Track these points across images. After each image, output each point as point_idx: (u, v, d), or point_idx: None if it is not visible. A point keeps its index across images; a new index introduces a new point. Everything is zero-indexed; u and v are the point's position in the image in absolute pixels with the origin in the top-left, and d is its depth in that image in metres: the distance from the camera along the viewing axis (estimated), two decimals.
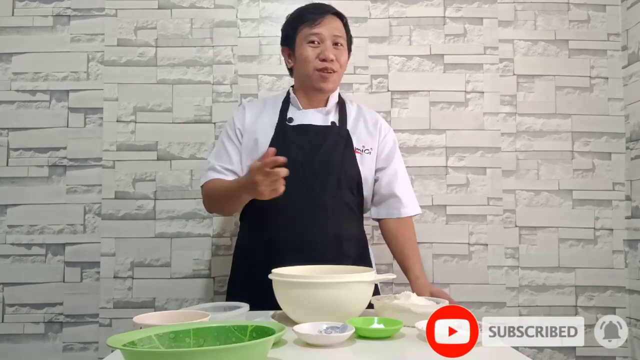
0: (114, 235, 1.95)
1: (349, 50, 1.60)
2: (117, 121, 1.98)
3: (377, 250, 1.95)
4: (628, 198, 1.99)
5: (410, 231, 1.60)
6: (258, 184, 1.26)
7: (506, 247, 1.99)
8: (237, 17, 2.03)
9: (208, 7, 2.02)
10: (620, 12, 2.04)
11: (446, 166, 2.01)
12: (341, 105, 1.59)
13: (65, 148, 1.97)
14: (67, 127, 1.98)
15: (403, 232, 1.58)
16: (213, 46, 2.01)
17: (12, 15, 2.00)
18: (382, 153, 1.58)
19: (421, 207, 1.97)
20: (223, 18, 2.02)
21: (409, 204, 1.60)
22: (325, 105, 1.56)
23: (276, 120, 1.54)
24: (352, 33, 2.04)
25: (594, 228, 2.00)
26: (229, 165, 1.53)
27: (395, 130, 1.98)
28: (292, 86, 1.61)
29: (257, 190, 1.28)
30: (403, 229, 1.58)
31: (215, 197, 1.52)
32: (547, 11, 2.05)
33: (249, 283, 1.48)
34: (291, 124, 1.53)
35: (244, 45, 2.02)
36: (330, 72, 1.49)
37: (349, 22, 2.04)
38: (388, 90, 2.02)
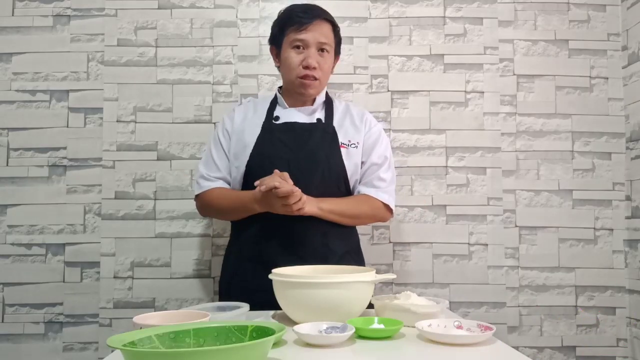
0: (114, 235, 1.95)
1: (338, 52, 1.60)
2: (117, 121, 1.98)
3: (377, 250, 1.96)
4: (628, 198, 1.99)
5: (367, 202, 1.54)
6: (276, 209, 1.38)
7: (506, 247, 1.99)
8: (237, 17, 2.03)
9: (208, 7, 2.02)
10: (620, 12, 2.04)
11: (446, 166, 2.01)
12: (328, 103, 1.60)
13: (65, 148, 1.97)
14: (67, 127, 1.98)
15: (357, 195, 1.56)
16: (213, 46, 2.01)
17: (12, 15, 2.00)
18: (365, 145, 1.57)
19: (421, 207, 1.99)
20: (223, 18, 2.02)
21: (384, 194, 1.56)
22: (312, 104, 1.58)
23: (263, 119, 1.56)
24: (352, 33, 2.05)
25: (594, 228, 2.00)
26: (217, 173, 1.56)
27: (395, 130, 1.99)
28: (281, 86, 1.63)
29: (275, 210, 1.39)
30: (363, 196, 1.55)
31: (221, 207, 1.54)
32: (547, 11, 2.05)
33: (239, 280, 1.50)
34: (277, 122, 1.54)
35: (244, 45, 2.02)
36: (312, 80, 1.50)
37: (349, 22, 2.05)
38: (388, 90, 2.02)
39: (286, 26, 1.53)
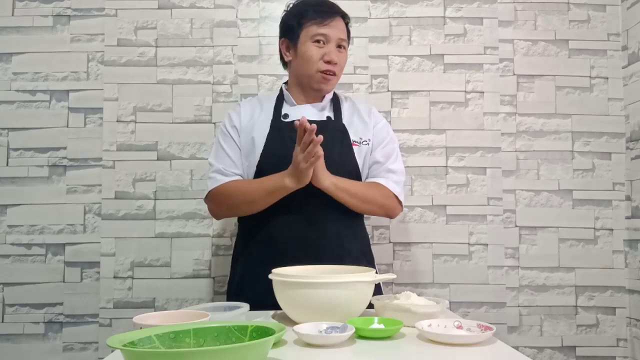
0: (114, 235, 1.95)
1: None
2: (117, 121, 1.98)
3: (377, 250, 1.95)
4: (628, 198, 1.99)
5: (377, 188, 1.50)
6: (299, 163, 1.32)
7: (506, 247, 1.99)
8: (237, 17, 2.03)
9: (208, 7, 2.02)
10: (620, 12, 2.04)
11: (446, 166, 2.01)
12: (335, 101, 1.59)
13: (65, 148, 1.97)
14: (67, 127, 1.98)
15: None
16: (213, 46, 2.01)
17: (12, 15, 2.00)
18: (374, 140, 1.56)
19: (421, 207, 1.99)
20: (223, 18, 2.03)
21: (393, 184, 1.53)
22: (321, 101, 1.55)
23: (271, 117, 1.53)
24: (352, 33, 2.05)
25: (594, 228, 2.00)
26: (234, 168, 1.49)
27: (395, 130, 1.97)
28: (285, 82, 1.60)
29: (300, 170, 1.33)
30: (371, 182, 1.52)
31: (246, 196, 1.45)
32: (547, 11, 2.05)
33: (249, 282, 1.48)
34: (286, 120, 1.51)
35: (244, 45, 2.02)
36: (332, 75, 1.49)
37: (349, 22, 2.04)
38: (388, 90, 2.02)
39: (305, 19, 1.49)
